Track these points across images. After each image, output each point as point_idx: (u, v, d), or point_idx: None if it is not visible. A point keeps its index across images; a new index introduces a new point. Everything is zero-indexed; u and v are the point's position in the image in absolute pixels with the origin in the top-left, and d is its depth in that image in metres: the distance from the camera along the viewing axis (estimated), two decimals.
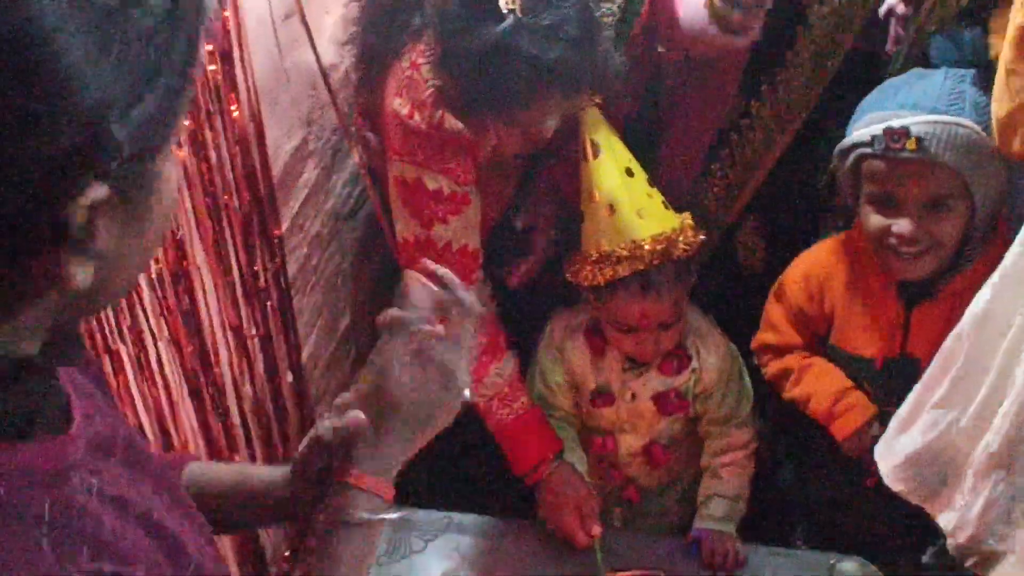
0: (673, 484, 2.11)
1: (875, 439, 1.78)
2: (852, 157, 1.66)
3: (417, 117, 1.70)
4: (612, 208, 1.72)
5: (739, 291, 2.03)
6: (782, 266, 1.99)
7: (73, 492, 0.65)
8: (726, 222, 2.03)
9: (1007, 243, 1.65)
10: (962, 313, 1.67)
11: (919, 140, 1.55)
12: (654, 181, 1.78)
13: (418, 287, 1.05)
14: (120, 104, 0.56)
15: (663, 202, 1.77)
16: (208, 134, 1.58)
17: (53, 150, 0.54)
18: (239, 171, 1.69)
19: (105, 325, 1.35)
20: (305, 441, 1.04)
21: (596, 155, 1.72)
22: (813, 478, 2.06)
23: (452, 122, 1.70)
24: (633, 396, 1.94)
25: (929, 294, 1.73)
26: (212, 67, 1.56)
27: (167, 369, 1.53)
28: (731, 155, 2.01)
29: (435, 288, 1.05)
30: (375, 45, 1.79)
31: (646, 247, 1.70)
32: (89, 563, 0.64)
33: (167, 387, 1.53)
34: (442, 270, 1.07)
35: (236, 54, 1.61)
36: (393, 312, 1.03)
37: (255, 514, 1.13)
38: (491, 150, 1.80)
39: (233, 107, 1.64)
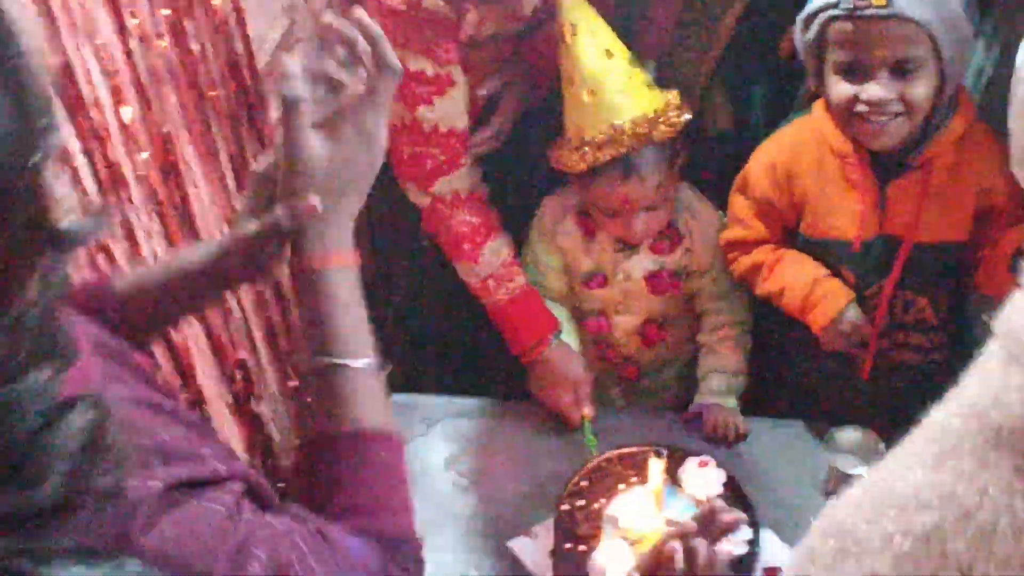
0: (671, 361, 2.13)
1: (856, 328, 1.79)
2: (816, 23, 1.61)
3: None
4: (592, 92, 1.70)
5: (709, 154, 2.00)
6: (747, 128, 2.01)
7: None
8: (700, 86, 2.01)
9: (969, 112, 1.65)
10: (936, 182, 1.67)
11: None
12: (635, 60, 1.76)
13: (333, 38, 1.00)
14: None
15: (646, 82, 1.75)
16: (189, 25, 1.56)
17: None
18: (223, 62, 1.68)
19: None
20: (255, 226, 1.03)
21: (575, 36, 1.70)
22: (803, 370, 2.02)
23: (431, 1, 1.68)
24: (626, 276, 1.96)
25: (901, 167, 1.70)
26: None
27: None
28: (696, 18, 1.98)
29: (357, 39, 1.00)
30: None
31: (626, 131, 1.70)
32: None
33: None
34: (367, 19, 1.03)
35: None
36: (295, 69, 0.99)
37: (191, 295, 1.13)
38: (471, 30, 1.78)
39: None
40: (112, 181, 1.38)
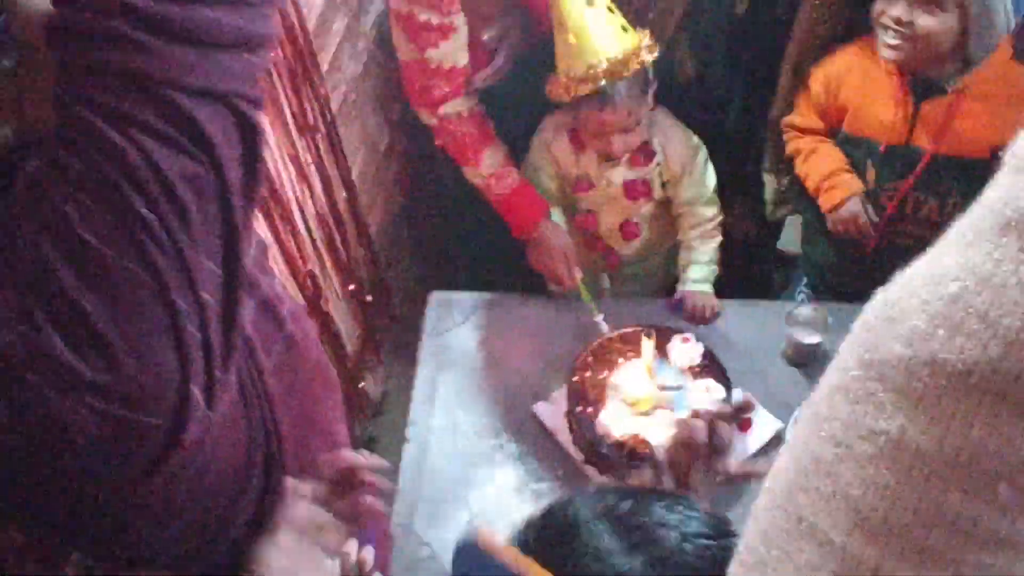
0: (651, 255, 2.19)
1: (854, 216, 1.89)
2: None
3: None
4: (575, 35, 1.72)
5: (676, 99, 2.04)
6: (709, 79, 2.07)
7: None
8: (665, 36, 2.03)
9: (1005, 54, 1.67)
10: (966, 109, 1.71)
11: None
12: (613, 7, 1.77)
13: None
14: None
15: (622, 25, 1.76)
16: None
17: None
18: (279, 29, 1.71)
19: None
20: None
21: None
22: (815, 239, 2.13)
23: None
24: (608, 183, 2.00)
25: (937, 90, 1.74)
26: None
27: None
28: None
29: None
30: None
31: (601, 68, 1.71)
32: None
33: None
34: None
35: None
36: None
37: None
38: None
39: None
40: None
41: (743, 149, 2.29)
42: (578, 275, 1.96)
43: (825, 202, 1.94)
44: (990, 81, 1.70)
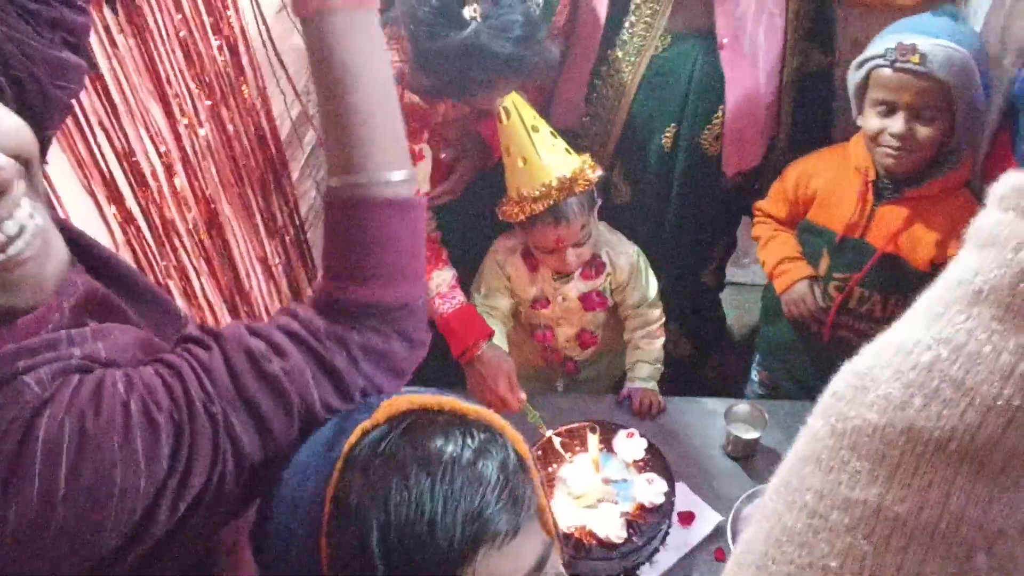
0: (602, 356, 2.18)
1: (802, 299, 1.93)
2: (865, 69, 1.70)
3: None
4: (524, 160, 1.73)
5: (613, 219, 2.07)
6: (641, 201, 2.10)
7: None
8: (604, 157, 2.08)
9: (963, 175, 1.74)
10: (918, 216, 1.75)
11: (923, 56, 1.60)
12: (555, 132, 1.79)
13: None
14: None
15: (565, 148, 1.78)
16: (224, 111, 1.61)
17: None
18: (252, 137, 1.72)
19: (156, 267, 1.40)
20: None
21: (508, 117, 1.73)
22: (773, 319, 2.12)
23: (410, 97, 1.72)
24: (564, 299, 1.99)
25: (895, 195, 1.79)
26: (222, 58, 1.58)
27: (209, 296, 1.59)
28: (596, 107, 2.06)
29: None
30: None
31: (553, 187, 1.72)
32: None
33: (212, 310, 1.59)
34: None
35: (240, 46, 1.63)
36: None
37: None
38: (440, 118, 1.82)
39: (244, 87, 1.68)
40: (166, 234, 1.43)
41: (675, 270, 2.29)
42: (523, 396, 1.87)
43: (778, 285, 1.98)
44: (942, 198, 1.76)
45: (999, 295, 0.43)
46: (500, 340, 1.96)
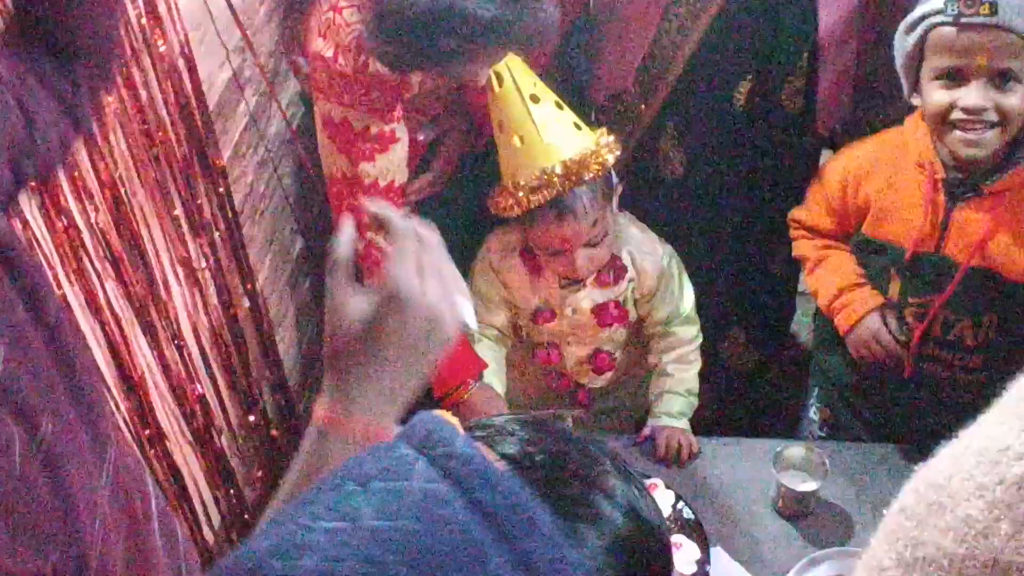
0: (623, 384, 2.17)
1: (876, 335, 1.86)
2: (920, 28, 1.66)
3: (342, 60, 1.72)
4: (521, 139, 1.73)
5: (661, 197, 2.10)
6: (700, 174, 2.08)
7: None
8: (646, 121, 2.09)
9: None
10: (1005, 216, 1.69)
11: (992, 5, 1.56)
12: (561, 102, 1.78)
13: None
14: None
15: (575, 122, 1.77)
16: (136, 73, 1.60)
17: None
18: (172, 106, 1.72)
19: (49, 270, 1.39)
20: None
21: (501, 85, 1.73)
22: (828, 346, 2.10)
23: (377, 65, 1.72)
24: (574, 310, 1.98)
25: (973, 192, 1.74)
26: (133, 5, 1.57)
27: (116, 306, 1.57)
28: (649, 51, 2.07)
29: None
30: None
31: (556, 174, 1.71)
32: None
33: (118, 323, 1.58)
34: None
35: None
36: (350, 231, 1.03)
37: None
38: (415, 89, 1.83)
39: (160, 43, 1.67)
40: (65, 228, 1.42)
41: (740, 262, 2.29)
42: None
43: (840, 322, 1.94)
44: None
45: None
46: (495, 374, 1.97)
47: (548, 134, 1.72)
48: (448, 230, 1.96)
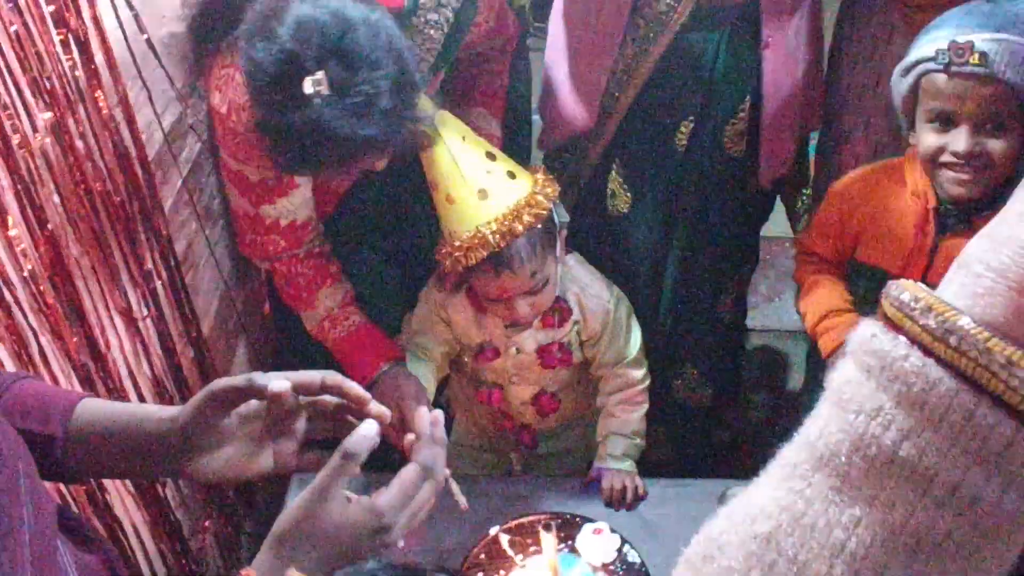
0: (570, 426, 2.16)
1: None
2: (913, 74, 1.70)
3: (235, 117, 1.70)
4: (452, 197, 1.71)
5: (609, 235, 2.11)
6: (645, 212, 2.09)
7: None
8: (594, 159, 2.14)
9: None
10: None
11: (982, 55, 1.59)
12: (493, 153, 1.77)
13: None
14: None
15: (508, 171, 1.75)
16: (72, 124, 1.58)
17: None
18: (110, 156, 1.70)
19: None
20: (215, 387, 1.03)
21: (432, 145, 1.71)
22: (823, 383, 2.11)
23: None
24: (518, 350, 1.97)
25: (963, 225, 1.77)
26: (67, 56, 1.56)
27: (53, 363, 1.54)
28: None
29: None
30: (199, 31, 1.78)
31: (489, 232, 1.69)
32: None
33: (54, 379, 1.55)
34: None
35: (93, 39, 1.61)
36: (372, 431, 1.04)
37: (144, 462, 1.09)
38: None
39: (98, 93, 1.65)
40: None
41: (688, 300, 2.30)
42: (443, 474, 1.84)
43: (823, 345, 1.96)
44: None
45: (836, 463, 0.52)
46: (418, 370, 1.93)
47: (479, 190, 1.71)
48: (405, 256, 1.99)
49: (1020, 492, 0.48)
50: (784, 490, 0.54)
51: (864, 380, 0.52)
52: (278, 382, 1.04)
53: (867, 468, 0.50)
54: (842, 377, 0.54)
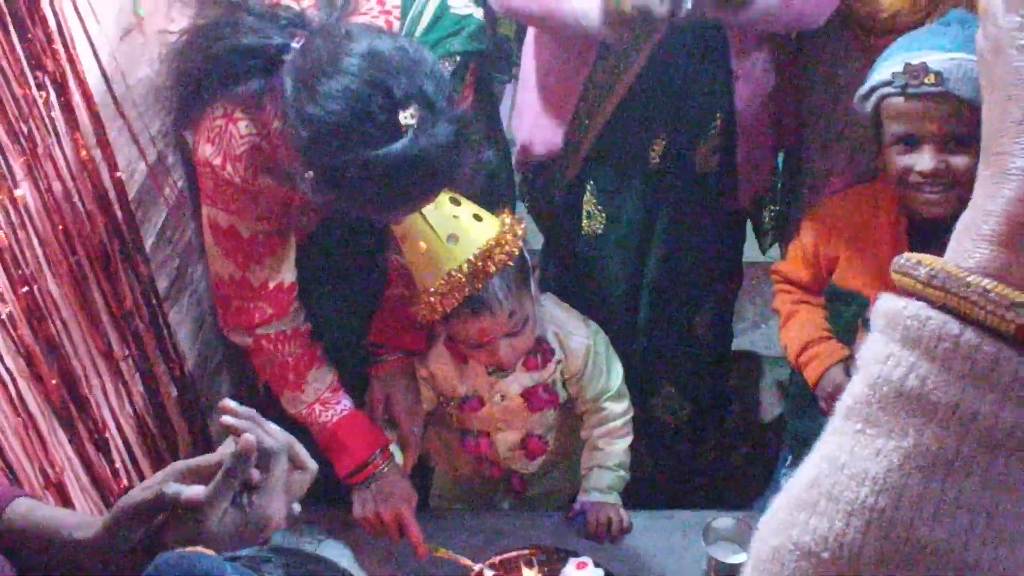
0: (557, 464, 2.14)
1: (840, 388, 1.86)
2: (873, 99, 1.71)
3: (230, 169, 1.67)
4: (420, 245, 1.70)
5: (584, 254, 2.12)
6: (620, 230, 2.11)
7: None
8: (568, 179, 2.14)
9: None
10: None
11: (937, 74, 1.60)
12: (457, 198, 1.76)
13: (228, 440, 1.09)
14: None
15: (474, 214, 1.74)
16: (50, 168, 1.57)
17: None
18: (89, 197, 1.68)
19: None
20: (126, 504, 1.05)
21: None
22: (802, 409, 2.13)
23: (267, 178, 1.68)
24: (502, 397, 1.95)
25: (939, 244, 1.75)
26: (43, 98, 1.54)
27: (32, 407, 1.52)
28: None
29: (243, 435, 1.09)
30: (187, 85, 1.69)
31: (464, 274, 1.69)
32: None
33: (34, 422, 1.53)
34: (244, 411, 1.15)
35: (71, 81, 1.60)
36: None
37: (70, 569, 1.09)
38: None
39: (77, 136, 1.63)
40: None
41: (663, 319, 2.30)
42: (423, 549, 1.86)
43: (808, 378, 1.96)
44: None
45: (859, 409, 0.58)
46: (400, 458, 1.94)
47: (448, 234, 1.70)
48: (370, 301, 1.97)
49: (1016, 404, 0.54)
50: (823, 442, 0.61)
51: (878, 337, 0.60)
52: (190, 490, 1.04)
53: (883, 406, 0.57)
54: (865, 347, 0.61)
